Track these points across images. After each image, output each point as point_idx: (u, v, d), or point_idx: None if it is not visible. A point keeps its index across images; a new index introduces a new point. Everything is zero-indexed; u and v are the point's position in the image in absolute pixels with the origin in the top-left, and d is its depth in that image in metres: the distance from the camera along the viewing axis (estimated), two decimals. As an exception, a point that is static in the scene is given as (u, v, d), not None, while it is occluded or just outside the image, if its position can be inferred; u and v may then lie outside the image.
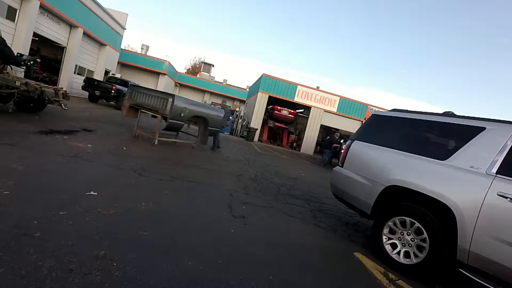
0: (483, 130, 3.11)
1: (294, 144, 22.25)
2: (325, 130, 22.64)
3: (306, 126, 21.18)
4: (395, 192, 3.52)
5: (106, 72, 21.83)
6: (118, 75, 20.92)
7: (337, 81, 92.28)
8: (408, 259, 3.22)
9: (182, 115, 7.66)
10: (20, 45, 12.27)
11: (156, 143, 7.62)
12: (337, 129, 19.76)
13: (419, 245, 3.17)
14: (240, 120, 22.47)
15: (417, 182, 3.25)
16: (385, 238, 3.46)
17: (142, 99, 7.98)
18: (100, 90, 14.70)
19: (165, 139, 8.44)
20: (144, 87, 8.52)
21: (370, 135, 4.23)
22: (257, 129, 20.18)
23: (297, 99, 20.89)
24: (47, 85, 7.18)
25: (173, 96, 7.39)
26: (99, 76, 19.87)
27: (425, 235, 3.10)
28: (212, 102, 34.72)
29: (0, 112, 6.41)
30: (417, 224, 3.19)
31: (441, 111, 3.96)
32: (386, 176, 3.59)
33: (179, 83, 36.81)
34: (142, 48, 35.06)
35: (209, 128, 8.91)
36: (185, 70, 50.45)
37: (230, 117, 20.72)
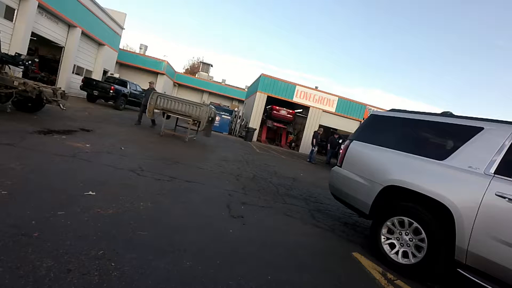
0: (481, 130, 3.12)
1: (293, 144, 22.25)
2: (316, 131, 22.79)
3: (304, 126, 21.20)
4: (393, 192, 3.53)
5: (105, 72, 21.76)
6: (116, 75, 20.90)
7: (336, 82, 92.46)
8: (406, 259, 3.22)
9: (211, 119, 9.94)
10: (18, 45, 12.23)
11: (187, 140, 9.83)
12: (321, 126, 20.35)
13: (417, 245, 3.17)
14: (238, 120, 22.45)
15: (415, 182, 3.26)
16: (384, 238, 3.47)
17: (171, 105, 9.52)
18: (98, 90, 14.67)
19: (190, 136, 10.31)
20: (176, 97, 10.17)
21: (368, 135, 4.24)
22: (255, 129, 20.19)
23: (296, 99, 20.91)
24: (45, 85, 7.17)
25: (209, 105, 9.73)
26: (97, 76, 19.80)
27: (423, 235, 3.11)
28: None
29: (-2, 112, 6.40)
30: (415, 224, 3.19)
31: (439, 111, 3.97)
32: (384, 176, 3.60)
33: (177, 83, 36.76)
34: (140, 48, 34.98)
35: (212, 124, 11.25)
36: (184, 70, 50.42)
37: (228, 117, 20.79)
